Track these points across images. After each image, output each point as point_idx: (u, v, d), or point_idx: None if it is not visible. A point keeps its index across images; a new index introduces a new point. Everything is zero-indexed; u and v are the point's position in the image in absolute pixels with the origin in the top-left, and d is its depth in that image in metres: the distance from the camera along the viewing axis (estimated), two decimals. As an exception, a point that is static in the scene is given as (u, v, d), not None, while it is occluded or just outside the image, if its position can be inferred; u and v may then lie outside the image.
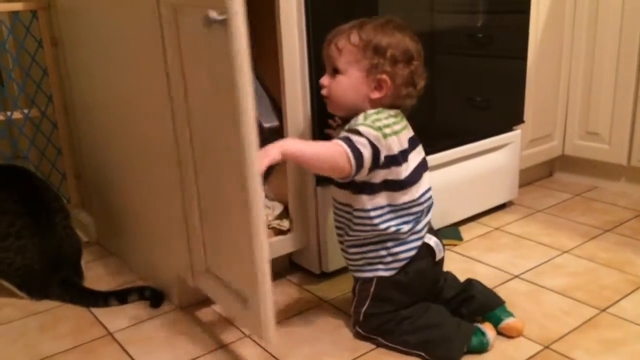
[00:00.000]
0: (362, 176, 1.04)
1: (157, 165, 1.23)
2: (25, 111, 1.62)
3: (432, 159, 1.56)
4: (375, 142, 1.01)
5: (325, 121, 1.25)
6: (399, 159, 1.05)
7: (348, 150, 0.99)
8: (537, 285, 1.34)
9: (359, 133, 1.01)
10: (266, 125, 1.31)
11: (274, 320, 0.96)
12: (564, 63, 1.91)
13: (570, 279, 1.37)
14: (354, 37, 1.05)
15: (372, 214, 1.07)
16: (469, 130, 1.66)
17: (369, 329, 1.13)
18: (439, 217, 1.63)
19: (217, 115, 0.97)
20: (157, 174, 1.24)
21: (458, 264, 1.47)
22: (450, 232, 1.61)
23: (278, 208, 1.37)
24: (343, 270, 1.39)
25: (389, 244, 1.09)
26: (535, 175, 2.05)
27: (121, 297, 1.33)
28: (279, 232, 1.34)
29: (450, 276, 1.23)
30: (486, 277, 1.39)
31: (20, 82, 1.71)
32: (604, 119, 1.87)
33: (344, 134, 1.03)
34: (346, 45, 1.05)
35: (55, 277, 1.36)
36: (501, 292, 1.26)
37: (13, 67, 1.71)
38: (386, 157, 1.03)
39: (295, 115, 1.27)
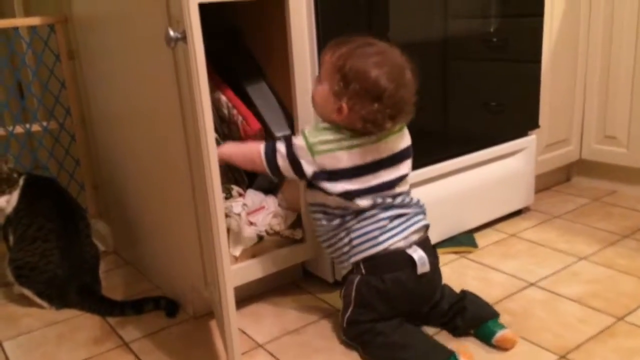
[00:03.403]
0: (301, 179, 1.13)
1: (170, 177, 1.24)
2: (44, 123, 1.66)
3: (446, 165, 1.56)
4: (298, 155, 1.08)
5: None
6: (340, 175, 1.08)
7: (263, 156, 1.10)
8: (553, 293, 1.33)
9: (287, 141, 1.09)
10: (278, 134, 1.32)
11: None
12: (579, 66, 1.89)
13: (588, 286, 1.35)
14: (335, 55, 1.06)
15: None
16: (483, 135, 1.65)
17: (351, 336, 1.14)
18: (453, 224, 1.63)
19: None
20: (171, 185, 1.25)
21: (473, 271, 1.45)
22: (465, 239, 1.60)
23: (291, 217, 1.38)
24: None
25: (348, 224, 1.13)
26: (553, 180, 2.03)
27: (137, 306, 1.35)
28: (292, 241, 1.34)
29: (447, 289, 1.22)
30: (501, 285, 1.38)
31: (39, 95, 1.75)
32: (621, 122, 1.84)
33: (281, 140, 1.11)
34: (327, 59, 1.08)
35: (74, 284, 1.38)
36: (517, 301, 1.26)
37: (32, 81, 1.75)
38: (317, 173, 1.08)
39: (307, 123, 1.28)
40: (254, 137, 1.31)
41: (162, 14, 1.04)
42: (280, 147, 1.10)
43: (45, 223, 1.39)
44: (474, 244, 1.59)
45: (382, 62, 1.03)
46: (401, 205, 1.13)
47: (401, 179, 1.14)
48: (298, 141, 1.09)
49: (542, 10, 1.68)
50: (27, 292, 1.40)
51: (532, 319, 1.18)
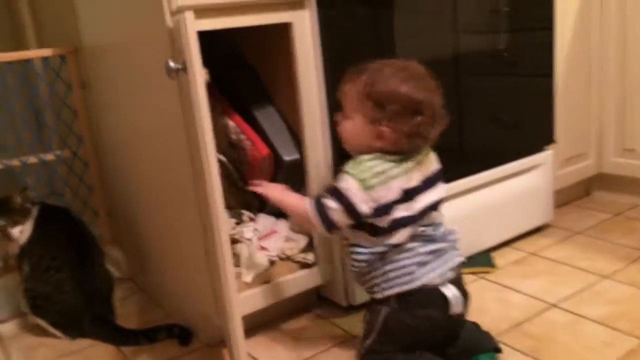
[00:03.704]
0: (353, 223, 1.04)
1: (178, 203, 1.23)
2: (58, 152, 1.67)
3: (462, 184, 1.53)
4: (352, 199, 0.99)
5: (345, 152, 1.24)
6: (391, 207, 1.02)
7: (316, 215, 1.02)
8: (575, 314, 1.28)
9: (335, 192, 1.01)
10: (287, 158, 1.31)
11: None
12: (593, 78, 1.85)
13: (611, 306, 1.30)
14: (359, 84, 1.02)
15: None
16: (498, 152, 1.62)
17: None
18: (470, 243, 1.59)
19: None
20: (179, 212, 1.25)
21: (491, 292, 1.42)
22: (482, 259, 1.57)
23: (303, 241, 1.36)
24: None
25: (386, 257, 1.07)
26: (572, 195, 1.98)
27: (151, 335, 1.33)
28: (303, 265, 1.32)
29: None
30: (521, 306, 1.33)
31: (53, 125, 1.77)
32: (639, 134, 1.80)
33: (322, 192, 1.04)
34: (350, 91, 1.04)
35: (88, 314, 1.38)
36: (537, 323, 1.21)
37: (46, 111, 1.76)
38: (374, 209, 1.01)
39: (315, 147, 1.27)
40: (262, 162, 1.30)
41: (163, 43, 1.04)
42: (329, 202, 1.01)
43: (59, 253, 1.39)
44: (492, 264, 1.55)
45: (408, 76, 1.02)
46: (439, 239, 1.08)
47: (439, 202, 1.09)
48: (346, 184, 1.00)
49: (552, 23, 1.66)
50: (42, 322, 1.40)
51: (555, 343, 1.13)
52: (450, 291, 1.06)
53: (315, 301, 1.44)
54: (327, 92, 1.25)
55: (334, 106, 1.25)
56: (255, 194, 1.43)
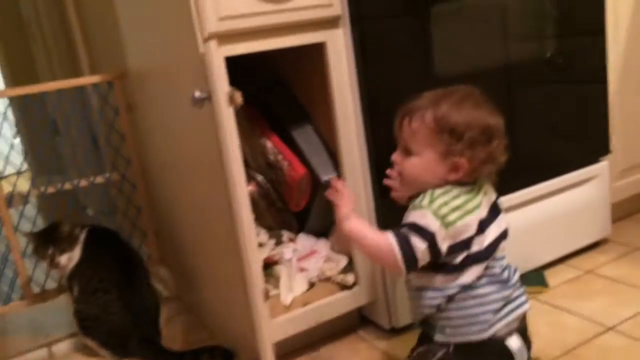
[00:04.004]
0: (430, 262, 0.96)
1: (216, 225, 1.24)
2: (107, 175, 1.72)
3: (512, 198, 1.47)
4: (436, 237, 0.92)
5: (383, 172, 1.21)
6: (468, 243, 0.95)
7: (399, 254, 0.92)
8: (634, 338, 1.20)
9: (419, 229, 0.93)
10: (325, 178, 1.29)
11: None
12: (654, 84, 1.74)
13: (676, 330, 1.21)
14: (429, 118, 0.96)
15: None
16: (550, 164, 1.55)
17: None
18: (521, 261, 1.50)
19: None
20: (216, 233, 1.25)
21: (543, 315, 1.34)
22: (535, 278, 1.49)
23: (343, 261, 1.34)
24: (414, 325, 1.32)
25: (455, 302, 0.98)
26: (632, 208, 1.87)
27: (194, 356, 1.34)
28: (343, 286, 1.30)
29: None
30: (575, 330, 1.26)
31: (103, 148, 1.83)
32: None
33: (403, 229, 0.94)
34: (421, 126, 0.97)
35: (135, 334, 1.40)
36: (593, 349, 1.14)
37: (98, 134, 1.83)
38: (450, 247, 0.94)
39: (352, 167, 1.25)
40: (300, 182, 1.30)
41: (197, 69, 1.05)
42: (416, 240, 0.92)
43: (106, 275, 1.42)
44: (544, 283, 1.47)
45: (475, 103, 0.97)
46: (507, 282, 1.00)
47: (505, 234, 1.02)
48: (426, 220, 0.93)
49: (604, 27, 1.57)
50: (91, 343, 1.44)
51: (610, 370, 1.06)
52: (515, 344, 0.98)
53: (358, 322, 1.41)
54: (362, 111, 1.23)
55: (371, 126, 1.24)
56: (295, 213, 1.43)
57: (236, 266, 1.19)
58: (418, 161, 0.98)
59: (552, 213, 1.56)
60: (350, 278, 1.30)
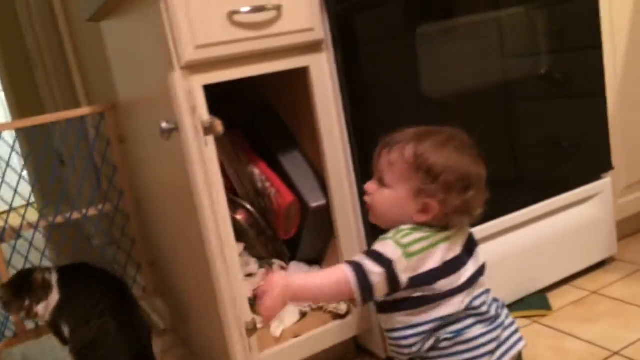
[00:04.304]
0: (387, 295, 0.91)
1: (199, 257, 1.21)
2: (100, 207, 1.71)
3: (512, 218, 1.43)
4: (394, 266, 0.87)
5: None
6: (433, 278, 0.90)
7: (354, 281, 0.87)
8: (642, 364, 1.14)
9: (376, 255, 0.89)
10: (313, 204, 1.26)
11: None
12: (655, 95, 1.70)
13: (685, 354, 1.15)
14: (408, 152, 0.92)
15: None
16: (551, 182, 1.51)
17: None
18: (523, 283, 1.48)
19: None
20: (197, 264, 1.22)
21: (546, 339, 1.29)
22: (537, 301, 1.44)
23: (336, 290, 1.30)
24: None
25: (442, 345, 0.91)
26: (638, 226, 1.81)
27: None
28: (336, 316, 1.26)
29: None
30: (579, 356, 1.20)
31: (94, 181, 1.82)
32: None
33: (361, 255, 0.91)
34: (399, 159, 0.93)
35: (132, 353, 1.37)
36: (595, 377, 1.09)
37: (86, 167, 1.81)
38: (412, 279, 0.89)
39: (341, 192, 1.23)
40: (287, 210, 1.27)
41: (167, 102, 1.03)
42: (370, 265, 0.88)
43: (97, 300, 1.38)
44: (547, 306, 1.42)
45: (460, 146, 0.92)
46: (496, 319, 0.94)
47: (482, 270, 0.97)
48: (386, 248, 0.89)
49: (600, 42, 1.54)
50: None
51: (616, 399, 1.01)
52: None
53: (354, 351, 1.37)
54: (349, 135, 1.20)
55: (358, 150, 1.21)
56: (286, 241, 1.40)
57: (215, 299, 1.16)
58: (390, 194, 0.94)
59: (554, 232, 1.51)
60: (343, 307, 1.26)
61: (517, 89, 1.44)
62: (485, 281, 0.96)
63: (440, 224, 0.92)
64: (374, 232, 1.21)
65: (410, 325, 0.92)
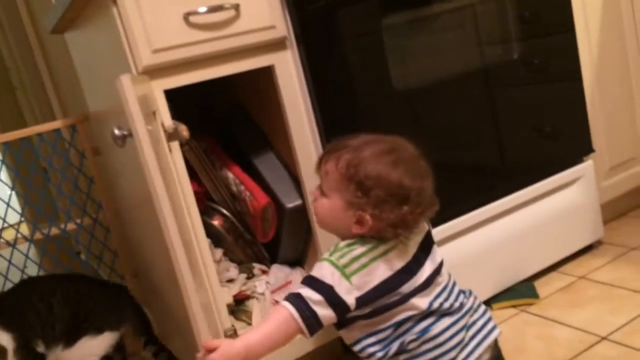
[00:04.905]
0: (341, 317, 0.87)
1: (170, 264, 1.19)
2: (78, 221, 1.68)
3: (494, 207, 1.41)
4: (336, 290, 0.84)
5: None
6: (385, 290, 0.87)
7: (296, 314, 0.83)
8: (629, 347, 1.12)
9: (313, 281, 0.85)
10: (289, 205, 1.24)
11: None
12: (633, 76, 1.68)
13: (674, 335, 1.13)
14: (342, 163, 0.89)
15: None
16: (533, 167, 1.49)
17: None
18: (510, 273, 1.45)
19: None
20: (170, 275, 1.20)
21: (533, 328, 1.27)
22: (524, 289, 1.42)
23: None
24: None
25: (410, 348, 0.89)
26: (625, 207, 1.79)
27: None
28: (318, 318, 1.24)
29: None
30: (566, 342, 1.18)
31: (70, 194, 1.79)
32: (694, 131, 1.61)
33: (300, 284, 0.88)
34: (333, 169, 0.90)
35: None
36: (584, 363, 1.07)
37: (61, 181, 1.77)
38: (360, 298, 0.86)
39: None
40: (262, 212, 1.24)
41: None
42: (309, 293, 0.84)
43: (89, 311, 1.36)
44: (535, 295, 1.40)
45: (397, 159, 0.88)
46: (460, 309, 0.91)
47: (439, 269, 0.93)
48: (323, 270, 0.86)
49: (572, 24, 1.52)
50: None
51: (604, 384, 0.99)
52: None
53: (341, 350, 1.34)
54: (319, 133, 1.18)
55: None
56: (266, 244, 1.38)
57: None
58: (327, 204, 0.92)
59: (539, 219, 1.49)
60: (325, 308, 1.23)
61: (495, 76, 1.42)
62: (445, 277, 0.94)
63: (381, 237, 0.88)
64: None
65: (372, 332, 0.89)
